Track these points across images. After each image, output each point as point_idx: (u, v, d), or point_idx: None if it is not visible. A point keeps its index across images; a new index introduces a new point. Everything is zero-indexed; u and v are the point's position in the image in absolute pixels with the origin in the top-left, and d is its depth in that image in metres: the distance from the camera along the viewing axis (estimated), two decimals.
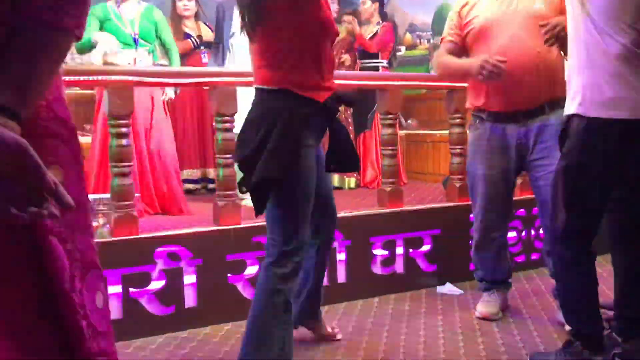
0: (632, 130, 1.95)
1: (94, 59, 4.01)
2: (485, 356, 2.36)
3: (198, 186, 4.60)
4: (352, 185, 4.95)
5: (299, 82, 1.89)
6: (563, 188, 2.08)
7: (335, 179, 4.90)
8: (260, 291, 1.96)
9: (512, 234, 3.58)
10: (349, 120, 5.07)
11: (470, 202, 2.90)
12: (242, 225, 2.87)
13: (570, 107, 2.04)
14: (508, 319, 2.78)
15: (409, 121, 6.12)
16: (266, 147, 1.85)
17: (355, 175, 4.99)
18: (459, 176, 3.50)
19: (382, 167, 3.57)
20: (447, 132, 3.67)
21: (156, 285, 2.64)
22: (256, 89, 1.99)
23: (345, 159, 2.14)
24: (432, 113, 6.15)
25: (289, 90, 1.88)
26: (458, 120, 3.52)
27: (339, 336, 2.55)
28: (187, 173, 4.45)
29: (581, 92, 1.99)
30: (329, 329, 2.55)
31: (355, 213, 3.24)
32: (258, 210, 1.93)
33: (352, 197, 4.26)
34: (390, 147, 3.37)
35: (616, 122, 1.94)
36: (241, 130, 2.01)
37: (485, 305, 2.82)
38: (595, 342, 2.13)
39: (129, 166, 2.67)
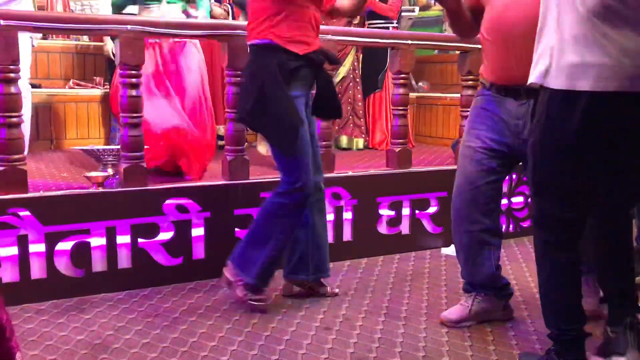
0: (600, 103, 1.64)
1: (102, 8, 3.95)
2: None
3: None
4: (360, 146, 4.93)
5: (281, 35, 2.23)
6: (530, 168, 1.81)
7: (344, 140, 4.89)
8: (269, 208, 2.36)
9: (519, 199, 3.59)
10: (357, 80, 5.02)
11: None
12: (250, 181, 2.89)
13: (532, 73, 1.75)
14: (512, 284, 2.80)
15: (420, 83, 6.04)
16: (263, 99, 2.19)
17: (363, 136, 4.97)
18: None
19: (391, 128, 3.55)
20: (458, 95, 3.63)
21: (165, 236, 2.67)
22: (250, 47, 2.33)
23: (327, 106, 2.41)
24: (444, 76, 6.06)
25: (274, 43, 2.22)
26: (470, 82, 3.48)
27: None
28: None
29: (546, 56, 1.71)
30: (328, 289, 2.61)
31: (362, 173, 3.25)
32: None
33: (360, 158, 4.26)
34: (401, 107, 3.34)
35: (579, 94, 1.64)
36: (241, 88, 2.35)
37: (452, 308, 2.35)
38: (570, 349, 1.84)
39: (139, 117, 2.66)
